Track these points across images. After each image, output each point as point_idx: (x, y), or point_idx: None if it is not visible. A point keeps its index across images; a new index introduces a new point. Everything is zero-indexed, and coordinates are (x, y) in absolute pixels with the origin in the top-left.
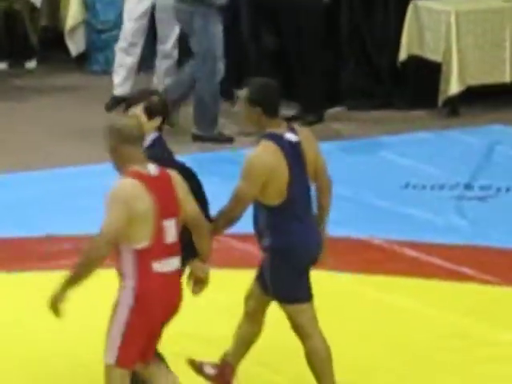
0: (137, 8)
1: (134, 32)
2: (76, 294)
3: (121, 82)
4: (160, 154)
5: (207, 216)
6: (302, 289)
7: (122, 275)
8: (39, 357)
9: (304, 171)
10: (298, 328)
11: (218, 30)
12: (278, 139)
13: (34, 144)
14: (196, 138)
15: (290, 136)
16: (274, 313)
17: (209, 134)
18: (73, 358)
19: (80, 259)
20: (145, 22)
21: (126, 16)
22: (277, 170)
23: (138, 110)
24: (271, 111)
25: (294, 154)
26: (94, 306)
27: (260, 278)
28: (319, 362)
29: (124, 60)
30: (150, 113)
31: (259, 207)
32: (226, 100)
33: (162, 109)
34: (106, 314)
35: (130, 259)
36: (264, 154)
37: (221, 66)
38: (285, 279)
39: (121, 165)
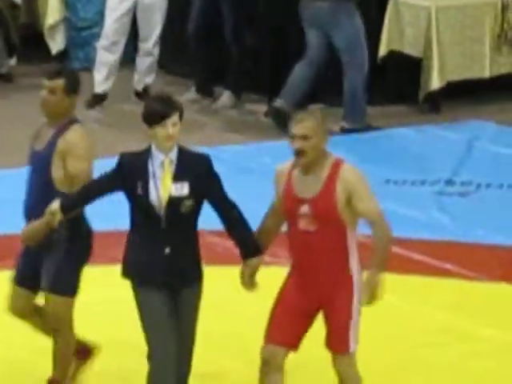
0: (119, 6)
1: (116, 30)
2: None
3: (102, 79)
4: None
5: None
6: None
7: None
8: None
9: None
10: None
11: (360, 22)
12: None
13: (13, 142)
14: (348, 132)
15: None
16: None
17: (361, 126)
18: None
19: (384, 242)
20: (127, 20)
21: (108, 14)
22: None
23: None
24: None
25: None
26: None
27: None
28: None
29: (106, 58)
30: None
31: None
32: (206, 97)
33: None
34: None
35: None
36: None
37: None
38: None
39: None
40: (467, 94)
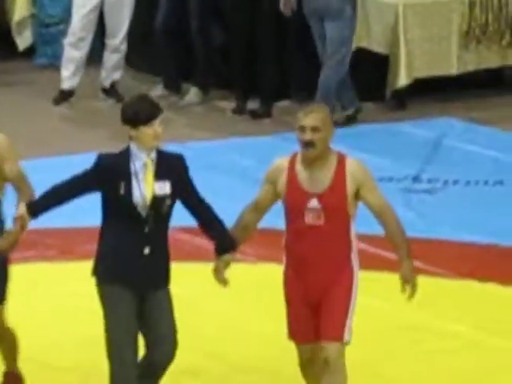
0: (86, 2)
1: (83, 26)
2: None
3: (69, 76)
4: None
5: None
6: None
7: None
8: None
9: None
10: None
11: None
12: None
13: None
14: None
15: None
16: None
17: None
18: None
19: (401, 230)
20: (93, 16)
21: (75, 11)
22: None
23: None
24: None
25: None
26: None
27: None
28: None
29: (72, 54)
30: None
31: None
32: (173, 94)
33: None
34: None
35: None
36: None
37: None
38: None
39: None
40: (434, 91)
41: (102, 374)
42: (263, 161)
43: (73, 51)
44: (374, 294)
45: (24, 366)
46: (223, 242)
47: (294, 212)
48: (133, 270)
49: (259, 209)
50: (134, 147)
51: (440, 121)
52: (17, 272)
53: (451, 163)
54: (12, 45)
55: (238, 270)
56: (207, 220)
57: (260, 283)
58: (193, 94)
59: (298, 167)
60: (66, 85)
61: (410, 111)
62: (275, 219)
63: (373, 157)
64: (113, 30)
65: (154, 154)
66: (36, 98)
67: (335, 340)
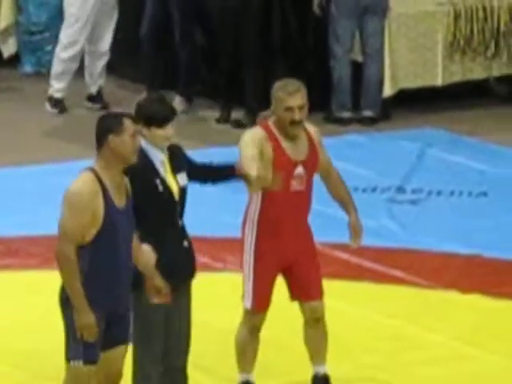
0: (80, 14)
1: (79, 39)
2: None
3: (64, 87)
4: None
5: None
6: None
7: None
8: None
9: None
10: None
11: None
12: None
13: None
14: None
15: None
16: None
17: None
18: None
19: (346, 188)
20: (88, 28)
21: (70, 23)
22: None
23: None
24: None
25: None
26: None
27: None
28: None
29: (70, 66)
30: None
31: None
32: None
33: None
34: None
35: None
36: None
37: None
38: None
39: None
40: (419, 102)
41: None
42: None
43: (69, 63)
44: (354, 303)
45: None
46: (230, 167)
47: (279, 180)
48: (180, 266)
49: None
50: (147, 147)
51: (424, 131)
52: None
53: (435, 174)
54: None
55: (221, 279)
56: (211, 167)
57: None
58: (177, 102)
59: (279, 137)
60: (61, 95)
61: (394, 121)
62: None
63: (357, 167)
64: (100, 37)
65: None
66: (21, 105)
67: (321, 298)
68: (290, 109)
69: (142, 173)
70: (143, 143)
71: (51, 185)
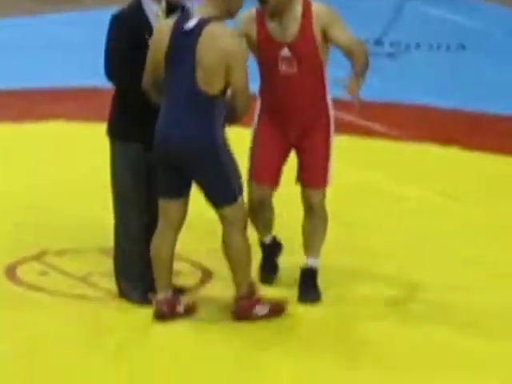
0: None
1: None
2: None
3: None
4: None
5: None
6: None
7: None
8: None
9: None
10: None
11: None
12: None
13: None
14: None
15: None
16: None
17: None
18: None
19: (365, 57)
20: None
21: None
22: None
23: None
24: None
25: None
26: None
27: None
28: None
29: None
30: None
31: None
32: None
33: None
34: None
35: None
36: None
37: None
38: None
39: None
40: None
41: None
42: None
43: None
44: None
45: None
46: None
47: (267, 62)
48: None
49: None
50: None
51: None
52: None
53: (413, 27)
54: None
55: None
56: None
57: None
58: None
59: (266, 18)
60: None
61: None
62: None
63: None
64: None
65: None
66: None
67: (319, 187)
68: None
69: (134, 25)
70: None
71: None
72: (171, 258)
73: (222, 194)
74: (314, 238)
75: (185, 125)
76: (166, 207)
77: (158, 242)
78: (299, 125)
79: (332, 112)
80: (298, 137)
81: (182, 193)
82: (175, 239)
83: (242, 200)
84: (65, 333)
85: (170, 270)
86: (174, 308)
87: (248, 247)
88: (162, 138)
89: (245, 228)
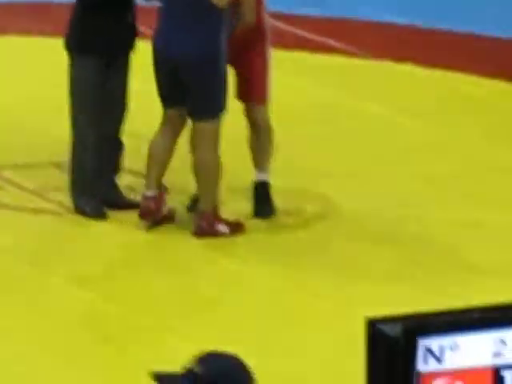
0: None
1: None
2: None
3: None
4: None
5: None
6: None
7: None
8: None
9: None
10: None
11: None
12: None
13: None
14: None
15: None
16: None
17: None
18: None
19: None
20: None
21: None
22: None
23: None
24: None
25: None
26: None
27: None
28: None
29: None
30: None
31: None
32: None
33: None
34: None
35: None
36: None
37: None
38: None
39: None
40: None
41: None
42: None
43: None
44: (289, 73)
45: None
46: None
47: None
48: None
49: None
50: None
51: None
52: None
53: None
54: None
55: None
56: None
57: None
58: None
59: None
60: None
61: None
62: None
63: None
64: None
65: None
66: None
67: (261, 104)
68: None
69: None
70: None
71: None
72: (166, 160)
73: (206, 106)
74: (260, 153)
75: (186, 30)
76: (168, 114)
77: (156, 143)
78: (236, 42)
79: (268, 30)
80: (237, 55)
81: (183, 101)
82: (173, 143)
83: (220, 119)
84: (24, 246)
85: (162, 172)
86: (159, 206)
87: (218, 165)
88: (163, 42)
89: (216, 145)
